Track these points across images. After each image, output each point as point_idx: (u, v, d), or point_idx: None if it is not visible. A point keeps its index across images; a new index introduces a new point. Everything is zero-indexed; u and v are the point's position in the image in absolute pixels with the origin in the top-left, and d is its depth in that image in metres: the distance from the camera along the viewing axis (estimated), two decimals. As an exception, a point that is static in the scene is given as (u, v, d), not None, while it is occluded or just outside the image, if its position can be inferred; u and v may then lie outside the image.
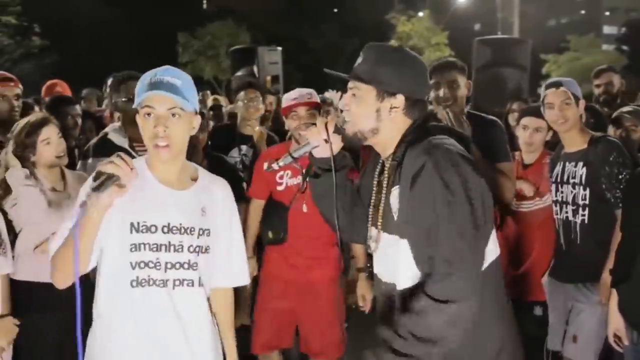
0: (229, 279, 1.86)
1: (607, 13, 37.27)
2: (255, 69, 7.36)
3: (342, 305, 3.02)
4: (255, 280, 3.06)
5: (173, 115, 1.61)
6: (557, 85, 2.60)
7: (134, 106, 1.67)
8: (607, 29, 35.26)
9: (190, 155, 3.19)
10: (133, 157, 2.45)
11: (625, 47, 28.05)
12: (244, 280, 1.90)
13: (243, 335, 3.60)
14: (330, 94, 4.28)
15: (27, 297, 2.33)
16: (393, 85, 1.59)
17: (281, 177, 2.84)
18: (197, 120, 1.71)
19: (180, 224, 1.66)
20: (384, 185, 1.64)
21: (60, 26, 22.63)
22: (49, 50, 21.10)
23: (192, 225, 1.68)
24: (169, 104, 1.61)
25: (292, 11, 29.93)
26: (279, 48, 7.79)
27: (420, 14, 26.74)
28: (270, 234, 2.88)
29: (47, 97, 4.50)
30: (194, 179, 1.75)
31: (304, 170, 2.75)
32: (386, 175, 1.64)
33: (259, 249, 3.07)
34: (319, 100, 2.88)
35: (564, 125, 2.58)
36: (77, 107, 3.63)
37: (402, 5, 27.55)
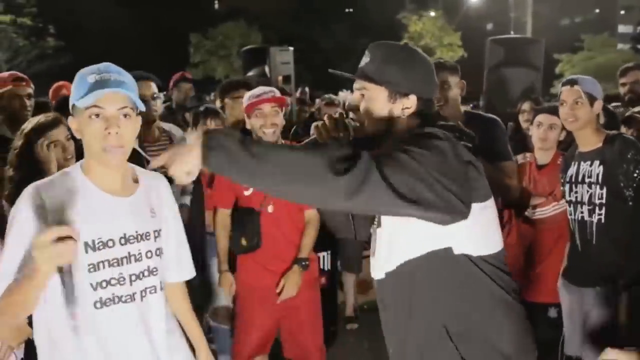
0: (182, 273, 1.80)
1: (622, 12, 36.83)
2: (266, 69, 7.37)
3: (319, 309, 2.95)
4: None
5: (124, 115, 1.49)
6: (571, 83, 2.56)
7: (79, 105, 1.50)
8: (622, 28, 34.83)
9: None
10: (143, 156, 2.42)
11: (640, 47, 27.73)
12: (192, 272, 1.83)
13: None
14: (344, 94, 4.26)
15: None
16: (404, 85, 1.55)
17: None
18: (139, 121, 1.58)
19: (136, 232, 1.57)
20: None
21: (74, 27, 22.84)
22: (63, 50, 21.30)
23: (147, 230, 1.59)
24: (119, 103, 1.48)
25: (304, 11, 29.94)
26: (291, 48, 7.78)
27: (432, 13, 26.63)
28: (243, 241, 2.76)
29: (54, 99, 4.52)
30: (136, 181, 1.65)
31: None
32: None
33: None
34: (283, 98, 2.83)
35: (574, 124, 2.54)
36: None
37: (413, 5, 27.44)
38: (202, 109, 3.31)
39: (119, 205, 1.56)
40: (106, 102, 1.47)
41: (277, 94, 2.81)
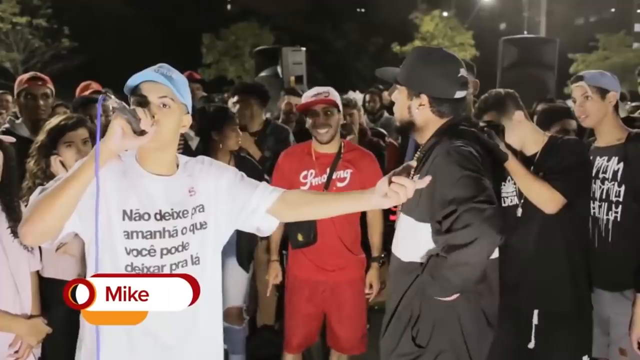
0: (269, 196, 1.74)
1: (639, 11, 36.36)
2: (279, 69, 7.40)
3: (364, 303, 3.03)
4: (281, 284, 3.05)
5: (163, 105, 1.60)
6: (577, 79, 2.51)
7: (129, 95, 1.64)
8: (639, 27, 34.41)
9: (217, 154, 3.21)
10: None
11: (657, 46, 27.35)
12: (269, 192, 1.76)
13: (266, 334, 3.62)
14: (353, 95, 4.25)
15: (51, 293, 2.36)
16: (418, 86, 1.88)
17: (305, 177, 2.81)
18: (188, 119, 1.69)
19: (172, 209, 1.66)
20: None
21: (89, 28, 23.09)
22: (77, 51, 21.51)
23: (184, 208, 1.68)
24: (159, 92, 1.59)
25: (315, 11, 29.95)
26: (303, 48, 7.81)
27: (445, 13, 26.50)
28: (300, 237, 2.83)
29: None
30: (177, 165, 1.74)
31: (328, 170, 2.78)
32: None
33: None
34: (336, 99, 2.83)
35: (586, 120, 2.48)
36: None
37: (425, 4, 27.34)
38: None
39: (158, 185, 1.67)
40: (147, 90, 1.60)
41: (331, 94, 2.83)
